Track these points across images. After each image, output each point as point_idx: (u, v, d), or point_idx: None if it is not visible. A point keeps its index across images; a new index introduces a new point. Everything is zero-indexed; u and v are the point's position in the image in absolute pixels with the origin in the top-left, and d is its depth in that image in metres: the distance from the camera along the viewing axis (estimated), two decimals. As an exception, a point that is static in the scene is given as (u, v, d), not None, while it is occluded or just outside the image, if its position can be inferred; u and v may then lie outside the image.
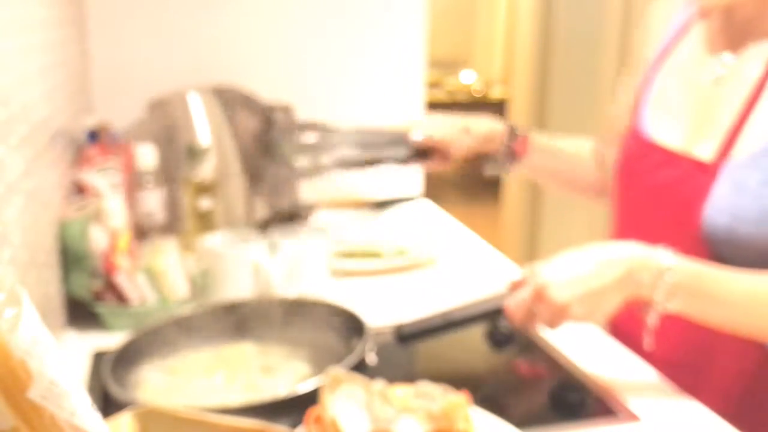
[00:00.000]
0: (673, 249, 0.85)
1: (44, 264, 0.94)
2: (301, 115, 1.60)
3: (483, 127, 1.24)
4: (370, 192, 1.73)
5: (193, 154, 1.31)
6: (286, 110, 1.56)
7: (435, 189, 1.91)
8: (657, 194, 0.98)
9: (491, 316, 0.92)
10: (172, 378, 0.89)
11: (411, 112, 1.82)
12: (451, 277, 1.31)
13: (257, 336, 0.95)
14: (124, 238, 1.12)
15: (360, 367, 0.83)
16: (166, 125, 1.41)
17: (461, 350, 1.05)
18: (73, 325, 1.07)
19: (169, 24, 1.62)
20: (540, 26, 3.18)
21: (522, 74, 3.35)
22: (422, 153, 1.25)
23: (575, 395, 0.89)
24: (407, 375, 0.88)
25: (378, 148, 1.19)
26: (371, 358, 0.86)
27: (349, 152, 1.17)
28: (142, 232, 1.26)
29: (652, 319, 0.85)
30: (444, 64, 4.81)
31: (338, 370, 0.72)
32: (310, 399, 0.73)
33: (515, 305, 0.88)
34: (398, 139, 1.21)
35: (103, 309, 1.06)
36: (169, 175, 1.34)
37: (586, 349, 1.02)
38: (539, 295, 0.85)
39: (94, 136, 1.36)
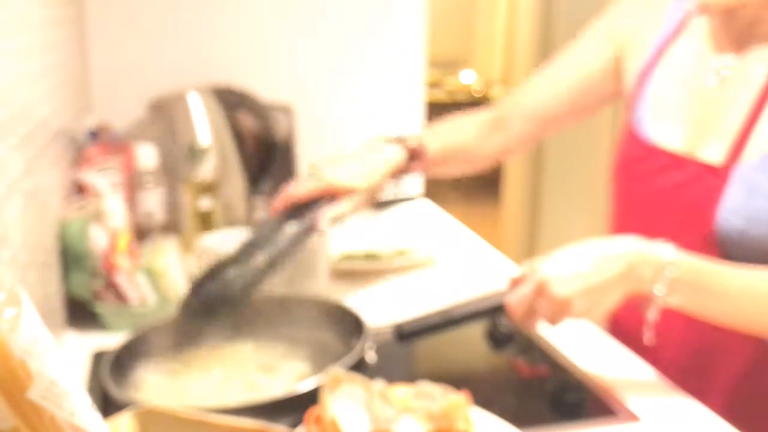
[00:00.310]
0: (684, 250, 0.85)
1: (44, 264, 0.94)
2: (301, 115, 1.60)
3: (383, 164, 1.10)
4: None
5: (193, 154, 1.31)
6: (286, 110, 1.56)
7: (435, 189, 1.91)
8: (662, 197, 0.98)
9: (491, 313, 0.92)
10: (172, 378, 0.89)
11: (411, 111, 1.82)
12: (451, 277, 1.31)
13: (257, 335, 0.95)
14: (124, 238, 1.12)
15: (360, 366, 0.83)
16: (166, 125, 1.41)
17: (461, 350, 1.05)
18: (73, 325, 1.07)
19: (169, 24, 1.62)
20: (540, 26, 3.18)
21: (522, 74, 3.35)
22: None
23: (575, 395, 0.89)
24: (407, 374, 0.88)
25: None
26: (371, 357, 0.86)
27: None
28: (142, 232, 1.27)
29: (652, 314, 0.85)
30: (444, 64, 4.81)
31: (338, 370, 0.72)
32: (309, 398, 0.73)
33: (516, 301, 0.88)
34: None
35: (103, 309, 1.06)
36: (169, 175, 1.34)
37: (586, 349, 1.02)
38: (540, 291, 0.85)
39: (94, 136, 1.37)
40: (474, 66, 5.36)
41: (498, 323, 1.06)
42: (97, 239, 1.07)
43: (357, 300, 1.05)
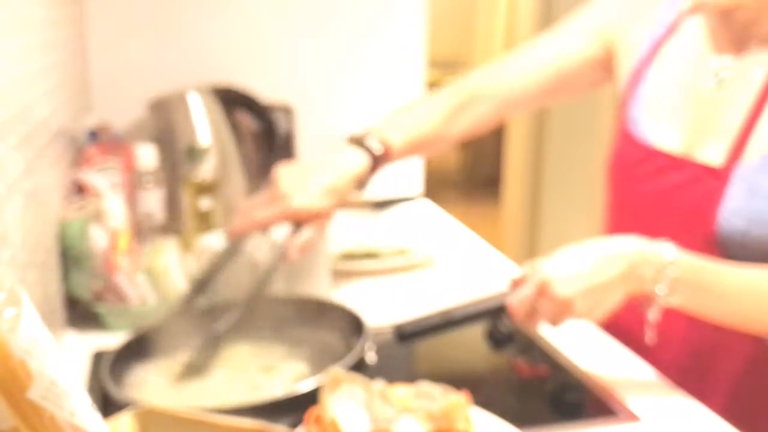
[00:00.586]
0: (683, 250, 0.85)
1: (44, 264, 0.94)
2: (301, 115, 1.60)
3: (347, 177, 1.04)
4: (370, 192, 1.73)
5: (193, 154, 1.31)
6: (286, 110, 1.56)
7: (435, 189, 1.91)
8: (661, 199, 0.97)
9: (492, 314, 0.92)
10: (172, 378, 0.88)
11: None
12: (451, 277, 1.31)
13: (256, 335, 0.95)
14: (124, 238, 1.12)
15: (360, 367, 0.83)
16: (166, 125, 1.41)
17: (461, 350, 1.05)
18: (73, 325, 1.07)
19: (169, 24, 1.62)
20: (540, 26, 3.18)
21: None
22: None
23: (575, 395, 0.90)
24: (407, 374, 0.88)
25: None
26: (371, 357, 0.86)
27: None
28: (142, 232, 1.26)
29: (653, 314, 0.85)
30: (444, 64, 4.81)
31: (338, 370, 0.72)
32: (309, 399, 0.73)
33: (518, 302, 0.87)
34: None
35: (103, 309, 1.06)
36: (169, 175, 1.34)
37: (586, 349, 1.02)
38: (542, 291, 0.85)
39: (94, 136, 1.36)
40: (474, 66, 5.35)
41: (498, 323, 1.06)
42: (97, 239, 1.07)
43: (357, 300, 1.05)
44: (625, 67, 1.08)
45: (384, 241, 1.42)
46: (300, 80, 1.71)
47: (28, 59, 0.93)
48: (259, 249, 1.10)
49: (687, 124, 0.97)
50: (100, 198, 1.15)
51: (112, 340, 0.94)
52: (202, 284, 1.01)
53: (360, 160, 1.05)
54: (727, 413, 0.87)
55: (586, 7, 1.14)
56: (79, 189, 1.22)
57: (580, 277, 0.84)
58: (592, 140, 2.94)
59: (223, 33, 1.65)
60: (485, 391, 0.90)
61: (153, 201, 1.29)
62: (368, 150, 1.06)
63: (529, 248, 3.45)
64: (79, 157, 1.29)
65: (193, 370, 0.89)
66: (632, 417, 0.86)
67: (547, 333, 1.05)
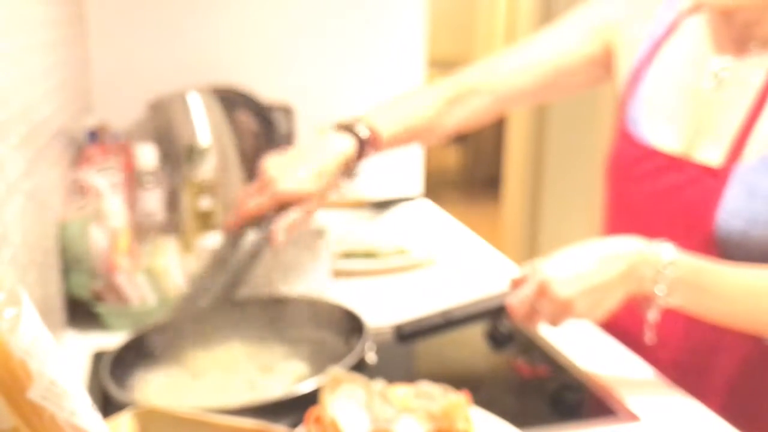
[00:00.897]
0: (682, 250, 0.85)
1: (44, 264, 0.94)
2: (301, 115, 1.60)
3: (333, 161, 1.04)
4: (370, 192, 1.73)
5: (193, 154, 1.31)
6: (286, 110, 1.56)
7: (435, 189, 1.91)
8: (660, 199, 0.98)
9: (491, 314, 0.92)
10: (172, 378, 0.89)
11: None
12: (451, 277, 1.31)
13: (256, 335, 0.95)
14: (124, 238, 1.12)
15: (360, 367, 0.83)
16: (166, 125, 1.41)
17: (461, 350, 1.05)
18: (73, 325, 1.07)
19: (169, 24, 1.62)
20: (540, 26, 3.17)
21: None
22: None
23: (575, 395, 0.90)
24: (407, 374, 0.88)
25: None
26: (371, 357, 0.86)
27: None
28: (142, 232, 1.26)
29: (653, 314, 0.86)
30: (444, 64, 4.81)
31: (338, 370, 0.72)
32: (310, 399, 0.73)
33: (518, 302, 0.88)
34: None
35: (103, 309, 1.06)
36: (169, 175, 1.34)
37: (586, 349, 1.02)
38: (542, 292, 0.85)
39: (94, 136, 1.36)
40: (474, 66, 5.34)
41: (498, 323, 1.06)
42: (97, 239, 1.07)
43: (357, 300, 1.05)
44: (624, 66, 1.08)
45: (384, 240, 1.42)
46: (300, 80, 1.71)
47: (28, 59, 0.93)
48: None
49: (686, 124, 0.97)
50: (100, 198, 1.15)
51: (112, 340, 0.94)
52: (202, 283, 1.01)
53: (346, 144, 1.06)
54: (725, 412, 0.87)
55: (585, 5, 1.14)
56: (79, 189, 1.22)
57: (580, 278, 0.84)
58: (591, 140, 2.94)
59: (223, 33, 1.65)
60: (485, 391, 0.90)
61: (153, 201, 1.29)
62: (355, 135, 1.07)
63: (529, 248, 3.45)
64: (79, 157, 1.29)
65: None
66: (632, 417, 0.86)
67: (547, 333, 1.05)
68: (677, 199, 0.95)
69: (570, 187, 3.22)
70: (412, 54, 1.79)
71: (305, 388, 0.77)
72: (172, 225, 1.32)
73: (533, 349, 1.03)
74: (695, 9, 1.01)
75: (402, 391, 0.72)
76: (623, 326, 1.02)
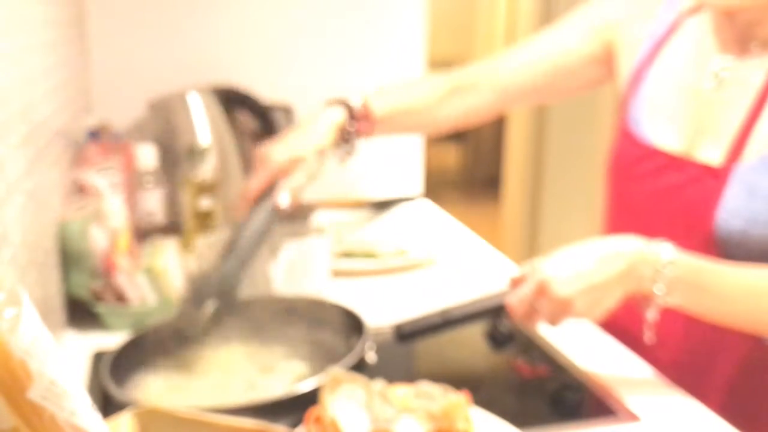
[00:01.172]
0: (683, 250, 0.85)
1: (44, 264, 0.94)
2: (301, 115, 1.60)
3: (324, 128, 1.08)
4: (370, 192, 1.73)
5: (193, 154, 1.31)
6: (286, 110, 1.56)
7: (435, 189, 1.91)
8: (661, 198, 0.98)
9: (491, 313, 0.92)
10: (172, 378, 0.89)
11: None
12: (451, 277, 1.31)
13: (256, 335, 0.95)
14: (124, 238, 1.12)
15: (360, 366, 0.83)
16: (166, 125, 1.41)
17: (461, 350, 1.05)
18: (73, 325, 1.07)
19: (169, 24, 1.62)
20: (540, 26, 3.18)
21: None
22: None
23: (575, 395, 0.90)
24: (407, 374, 0.88)
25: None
26: (371, 357, 0.86)
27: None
28: (142, 232, 1.26)
29: (652, 314, 0.86)
30: (444, 64, 4.82)
31: (338, 370, 0.72)
32: (309, 399, 0.73)
33: (517, 301, 0.88)
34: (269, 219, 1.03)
35: (103, 309, 1.06)
36: (169, 175, 1.34)
37: (586, 349, 1.02)
38: (541, 291, 0.85)
39: (94, 136, 1.36)
40: (474, 66, 5.33)
41: (498, 323, 1.06)
42: (97, 239, 1.07)
43: (357, 300, 1.05)
44: (625, 66, 1.08)
45: (384, 240, 1.42)
46: (300, 80, 1.71)
47: (28, 59, 0.93)
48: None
49: (687, 124, 0.97)
50: (100, 198, 1.15)
51: (112, 340, 0.94)
52: (207, 280, 1.00)
53: (336, 114, 1.09)
54: (725, 411, 0.87)
55: (586, 5, 1.14)
56: (79, 189, 1.22)
57: (580, 277, 0.84)
58: (592, 140, 2.94)
59: (223, 33, 1.65)
60: (485, 391, 0.90)
61: (153, 201, 1.29)
62: (346, 105, 1.10)
63: (529, 248, 3.45)
64: (79, 157, 1.29)
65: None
66: (632, 417, 0.86)
67: (547, 333, 1.05)
68: (678, 199, 0.95)
69: (570, 187, 3.22)
70: (412, 54, 1.79)
71: (305, 387, 0.77)
72: (172, 225, 1.32)
73: (533, 349, 1.03)
74: (696, 9, 1.01)
75: (402, 391, 0.72)
76: (622, 325, 1.02)
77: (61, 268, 1.05)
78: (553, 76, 1.14)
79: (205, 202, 1.29)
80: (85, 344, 1.02)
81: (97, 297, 1.07)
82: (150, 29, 1.61)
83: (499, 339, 1.05)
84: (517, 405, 0.91)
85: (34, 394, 0.42)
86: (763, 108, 0.90)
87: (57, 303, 1.02)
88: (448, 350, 1.05)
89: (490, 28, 4.69)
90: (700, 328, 0.91)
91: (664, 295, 0.84)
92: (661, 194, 0.98)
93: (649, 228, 0.94)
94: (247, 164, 1.45)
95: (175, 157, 1.36)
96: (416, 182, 1.84)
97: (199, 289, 0.95)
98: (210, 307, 0.92)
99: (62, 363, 0.44)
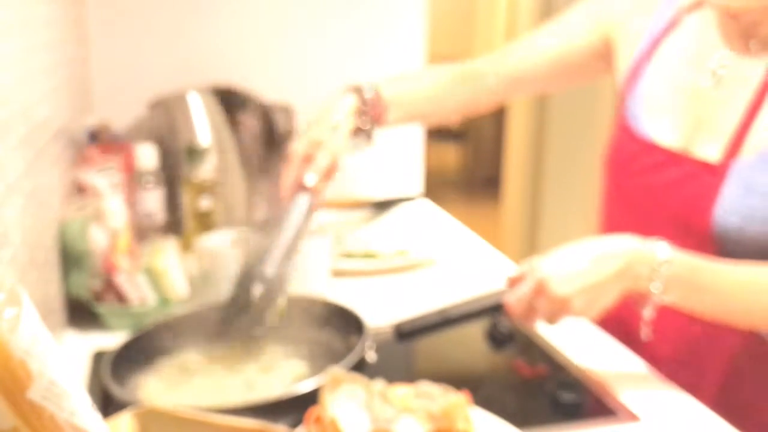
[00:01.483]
0: (680, 246, 0.86)
1: (44, 264, 0.94)
2: (302, 115, 1.60)
3: (345, 118, 1.09)
4: (370, 192, 1.73)
5: (193, 154, 1.31)
6: (286, 110, 1.56)
7: (435, 189, 1.91)
8: (659, 194, 0.98)
9: (490, 312, 0.92)
10: (172, 377, 0.89)
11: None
12: (451, 277, 1.31)
13: (255, 334, 0.95)
14: (124, 238, 1.12)
15: (360, 366, 0.83)
16: (166, 125, 1.41)
17: (461, 350, 1.05)
18: (73, 325, 1.07)
19: (169, 24, 1.62)
20: (540, 23, 3.17)
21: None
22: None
23: (575, 395, 0.90)
24: (407, 374, 0.88)
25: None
26: (371, 356, 0.86)
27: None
28: (142, 232, 1.26)
29: (648, 312, 0.87)
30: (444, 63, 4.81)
31: (338, 370, 0.72)
32: (310, 398, 0.73)
33: (515, 300, 0.88)
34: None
35: (103, 309, 1.06)
36: (169, 175, 1.34)
37: (586, 349, 1.02)
38: (540, 290, 0.86)
39: (94, 136, 1.36)
40: (474, 66, 5.33)
41: (498, 323, 1.06)
42: (97, 239, 1.07)
43: (357, 300, 1.05)
44: (624, 60, 1.09)
45: (384, 241, 1.42)
46: (300, 80, 1.71)
47: (28, 59, 0.93)
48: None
49: (685, 120, 0.98)
50: (100, 198, 1.15)
51: (112, 340, 0.94)
52: (253, 272, 0.99)
53: (351, 99, 1.11)
54: (720, 404, 0.88)
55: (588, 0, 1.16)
56: (79, 189, 1.22)
57: (578, 276, 0.85)
58: (592, 140, 2.94)
59: (223, 33, 1.65)
60: (485, 391, 0.90)
61: (153, 201, 1.29)
62: (358, 91, 1.12)
63: (529, 248, 3.44)
64: (79, 157, 1.29)
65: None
66: (632, 417, 0.86)
67: (547, 333, 1.05)
68: (675, 194, 0.96)
69: (570, 187, 3.22)
70: (412, 54, 1.79)
71: (304, 387, 0.77)
72: (172, 225, 1.32)
73: (533, 348, 1.03)
74: (695, 6, 1.02)
75: (402, 391, 0.72)
76: (617, 320, 1.02)
77: (61, 268, 1.05)
78: (555, 68, 1.16)
79: (205, 202, 1.29)
80: (85, 344, 1.02)
81: (97, 297, 1.07)
82: (150, 29, 1.61)
83: (499, 339, 1.06)
84: (517, 405, 0.91)
85: (34, 394, 0.42)
86: (761, 105, 0.91)
87: (57, 303, 1.02)
88: (448, 350, 1.05)
89: (490, 27, 4.69)
90: (693, 324, 0.92)
91: (660, 294, 0.85)
92: (659, 189, 0.98)
93: (646, 223, 0.95)
94: (247, 164, 1.45)
95: (175, 157, 1.36)
96: (416, 182, 1.84)
97: (246, 282, 0.96)
98: (257, 295, 0.94)
99: (62, 363, 0.44)
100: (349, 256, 1.34)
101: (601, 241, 0.88)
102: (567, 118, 3.21)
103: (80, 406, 0.45)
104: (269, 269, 0.95)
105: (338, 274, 1.26)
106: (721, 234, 0.90)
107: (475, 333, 1.07)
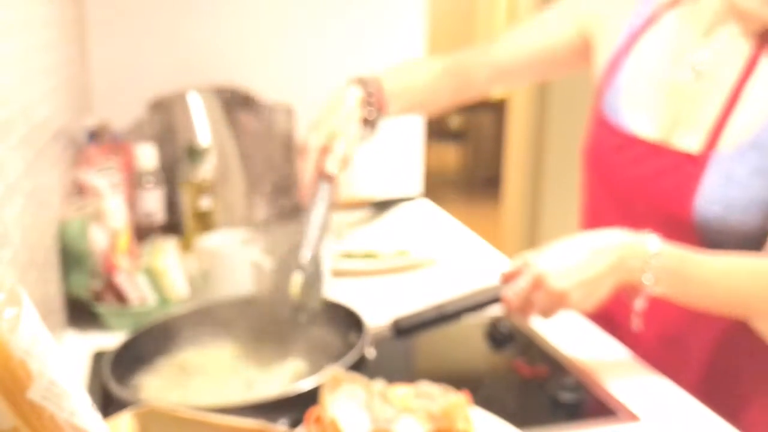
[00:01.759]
0: (663, 236, 0.89)
1: (44, 264, 0.94)
2: (302, 115, 1.60)
3: (355, 108, 1.12)
4: (370, 192, 1.73)
5: (193, 154, 1.31)
6: (286, 110, 1.56)
7: (435, 189, 1.91)
8: (641, 185, 1.00)
9: (487, 306, 0.93)
10: (171, 376, 0.89)
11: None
12: (451, 277, 1.31)
13: (254, 332, 0.95)
14: (124, 238, 1.12)
15: (359, 365, 0.83)
16: (166, 125, 1.41)
17: (461, 350, 1.05)
18: (73, 325, 1.07)
19: (169, 24, 1.62)
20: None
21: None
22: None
23: (575, 395, 0.90)
24: (407, 373, 0.88)
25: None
26: (370, 353, 0.86)
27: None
28: (142, 232, 1.26)
29: (640, 303, 0.89)
30: (444, 64, 4.80)
31: (338, 370, 0.72)
32: (309, 397, 0.73)
33: (513, 294, 0.90)
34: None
35: (103, 309, 1.06)
36: (169, 175, 1.34)
37: (586, 349, 1.02)
38: (538, 284, 0.88)
39: (94, 136, 1.36)
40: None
41: (498, 323, 1.06)
42: (97, 239, 1.07)
43: (357, 300, 1.05)
44: (602, 54, 1.10)
45: (384, 241, 1.42)
46: (300, 80, 1.71)
47: (28, 59, 0.93)
48: (257, 250, 1.11)
49: (665, 113, 1.00)
50: (100, 198, 1.15)
51: (112, 340, 0.94)
52: (288, 267, 0.99)
53: (356, 89, 1.14)
54: (703, 385, 0.92)
55: None
56: (79, 189, 1.22)
57: (574, 270, 0.87)
58: (592, 140, 2.94)
59: (223, 33, 1.65)
60: (485, 391, 0.90)
61: (153, 201, 1.29)
62: (362, 82, 1.14)
63: (529, 248, 3.43)
64: (79, 157, 1.29)
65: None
66: (632, 417, 0.86)
67: (547, 333, 1.05)
68: (657, 185, 0.98)
69: (570, 187, 3.21)
70: (412, 53, 1.79)
71: (305, 386, 0.77)
72: (172, 225, 1.32)
73: (533, 348, 1.03)
74: (673, 3, 1.03)
75: (402, 391, 0.72)
76: (605, 312, 1.03)
77: (61, 268, 1.05)
78: (538, 61, 1.19)
79: (205, 202, 1.29)
80: (85, 344, 1.02)
81: (97, 297, 1.07)
82: (150, 29, 1.61)
83: (499, 339, 1.06)
84: (517, 405, 0.91)
85: (34, 394, 0.42)
86: (739, 97, 0.93)
87: (57, 303, 1.02)
88: (448, 350, 1.05)
89: (490, 27, 4.69)
90: (675, 312, 0.94)
91: (651, 285, 0.88)
92: (641, 181, 1.00)
93: (628, 214, 0.99)
94: (247, 164, 1.45)
95: (175, 157, 1.36)
96: (416, 182, 1.84)
97: (286, 273, 0.97)
98: (300, 283, 0.95)
99: (62, 363, 0.44)
100: (349, 256, 1.34)
101: (594, 236, 0.90)
102: (567, 118, 3.21)
103: (80, 406, 0.45)
104: (306, 258, 0.97)
105: (338, 274, 1.26)
106: (702, 223, 0.93)
107: (475, 333, 1.07)
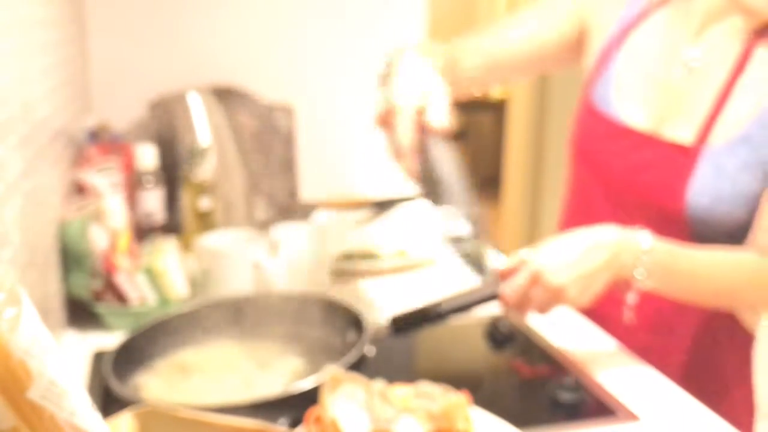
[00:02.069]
0: (654, 226, 0.91)
1: (44, 264, 0.94)
2: (301, 115, 1.60)
3: (426, 62, 1.08)
4: (370, 192, 1.73)
5: (193, 154, 1.31)
6: (286, 110, 1.56)
7: (435, 189, 1.90)
8: (631, 175, 1.01)
9: (484, 303, 0.94)
10: (171, 376, 0.89)
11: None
12: (451, 277, 1.31)
13: (253, 332, 0.95)
14: (124, 238, 1.12)
15: (359, 363, 0.83)
16: (166, 125, 1.41)
17: (461, 350, 1.05)
18: (73, 325, 1.07)
19: (169, 24, 1.62)
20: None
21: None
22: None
23: (574, 395, 0.90)
24: (406, 372, 0.88)
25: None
26: (369, 350, 0.86)
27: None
28: (142, 232, 1.27)
29: (632, 297, 0.91)
30: (444, 64, 4.80)
31: (338, 370, 0.72)
32: (309, 396, 0.73)
33: (511, 291, 0.91)
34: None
35: (103, 309, 1.06)
36: (169, 175, 1.34)
37: (586, 349, 1.02)
38: (536, 280, 0.90)
39: (94, 136, 1.36)
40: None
41: (498, 323, 1.06)
42: (97, 239, 1.07)
43: (357, 300, 1.05)
44: (593, 47, 1.11)
45: (384, 241, 1.42)
46: (300, 80, 1.71)
47: (28, 59, 0.93)
48: (259, 250, 1.11)
49: (656, 105, 1.01)
50: (100, 198, 1.15)
51: (112, 340, 0.94)
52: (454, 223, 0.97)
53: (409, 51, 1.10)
54: (688, 371, 0.95)
55: None
56: (79, 189, 1.22)
57: (571, 266, 0.89)
58: (592, 140, 2.94)
59: (223, 33, 1.65)
60: (485, 391, 0.90)
61: (153, 201, 1.29)
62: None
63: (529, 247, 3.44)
64: (79, 157, 1.29)
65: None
66: (631, 417, 0.86)
67: (546, 333, 1.05)
68: (648, 176, 0.99)
69: (570, 186, 3.21)
70: (412, 54, 1.78)
71: (305, 385, 0.77)
72: (172, 225, 1.32)
73: (533, 348, 1.03)
74: (663, 2, 1.04)
75: (402, 391, 0.72)
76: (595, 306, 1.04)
77: (61, 268, 1.05)
78: (528, 56, 1.17)
79: (205, 202, 1.29)
80: (85, 344, 1.02)
81: (97, 297, 1.07)
82: (150, 29, 1.61)
83: (499, 339, 1.06)
84: (517, 405, 0.91)
85: (34, 394, 0.42)
86: (731, 92, 0.94)
87: (57, 303, 1.02)
88: (448, 350, 1.05)
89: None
90: (661, 302, 0.96)
91: (643, 280, 0.89)
92: (631, 171, 1.01)
93: (619, 204, 1.00)
94: (247, 164, 1.45)
95: (175, 157, 1.36)
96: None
97: (454, 230, 0.95)
98: (470, 234, 0.94)
99: (62, 363, 0.44)
100: (349, 256, 1.34)
101: (589, 233, 0.91)
102: (567, 118, 3.20)
103: (80, 406, 0.45)
104: (465, 209, 0.97)
105: (338, 274, 1.26)
106: (692, 214, 0.94)
107: (475, 333, 1.07)
